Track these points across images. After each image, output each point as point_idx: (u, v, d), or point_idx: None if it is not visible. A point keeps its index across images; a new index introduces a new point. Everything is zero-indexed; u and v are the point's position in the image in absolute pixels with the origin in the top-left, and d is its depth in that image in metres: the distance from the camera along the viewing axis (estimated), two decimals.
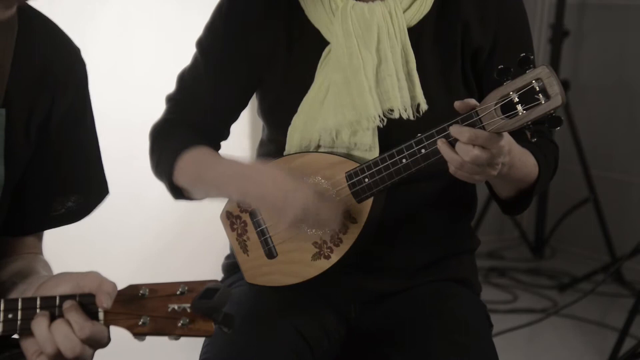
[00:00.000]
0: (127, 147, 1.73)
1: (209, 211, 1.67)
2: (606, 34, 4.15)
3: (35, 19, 1.38)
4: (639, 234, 3.21)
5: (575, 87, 4.04)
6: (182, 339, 1.14)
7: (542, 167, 1.57)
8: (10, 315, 1.16)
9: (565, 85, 3.93)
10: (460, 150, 1.40)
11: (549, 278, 3.92)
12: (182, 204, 1.73)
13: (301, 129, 1.59)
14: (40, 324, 1.15)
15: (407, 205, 1.61)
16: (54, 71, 1.37)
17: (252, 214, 1.60)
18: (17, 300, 1.17)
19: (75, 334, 1.14)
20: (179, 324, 1.13)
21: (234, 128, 1.75)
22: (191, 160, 1.58)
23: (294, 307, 1.59)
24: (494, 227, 4.31)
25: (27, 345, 1.17)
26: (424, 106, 1.56)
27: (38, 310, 1.16)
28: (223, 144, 1.74)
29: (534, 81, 1.35)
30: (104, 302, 1.15)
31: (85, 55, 1.44)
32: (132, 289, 1.16)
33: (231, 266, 1.72)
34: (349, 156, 1.56)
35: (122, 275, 1.25)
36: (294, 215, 1.46)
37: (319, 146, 1.59)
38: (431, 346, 1.52)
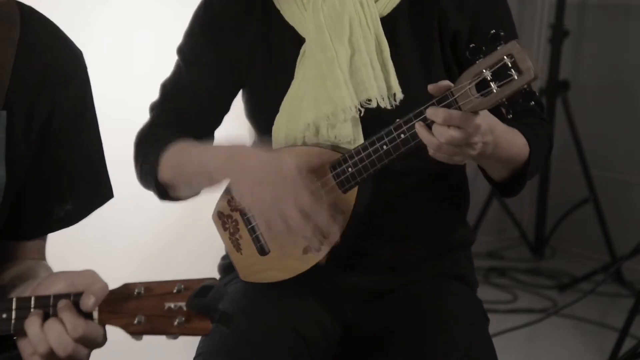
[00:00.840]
0: (127, 147, 1.73)
1: (208, 211, 1.68)
2: (606, 34, 4.15)
3: (37, 21, 1.38)
4: (639, 234, 3.21)
5: (575, 87, 4.03)
6: (180, 337, 1.14)
7: (533, 147, 1.56)
8: (4, 315, 1.16)
9: (565, 85, 3.94)
10: (437, 131, 1.40)
11: (549, 278, 3.92)
12: (182, 203, 1.72)
13: (285, 127, 1.60)
14: (33, 323, 1.15)
15: (398, 201, 1.62)
16: (55, 74, 1.37)
17: (243, 212, 1.60)
18: (11, 300, 1.17)
19: (68, 333, 1.13)
20: (175, 323, 1.12)
21: (234, 126, 1.75)
22: (173, 154, 1.59)
23: (290, 305, 1.59)
24: (494, 227, 4.31)
25: (23, 346, 1.17)
26: (399, 95, 1.56)
27: (32, 310, 1.15)
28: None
29: (505, 57, 1.35)
30: (87, 303, 1.14)
31: (85, 55, 1.44)
32: (128, 288, 1.15)
33: (227, 266, 1.73)
34: (334, 148, 1.56)
35: (122, 275, 1.25)
36: (268, 203, 1.45)
37: (304, 144, 1.59)
38: (429, 344, 1.52)
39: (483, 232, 3.95)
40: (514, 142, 1.52)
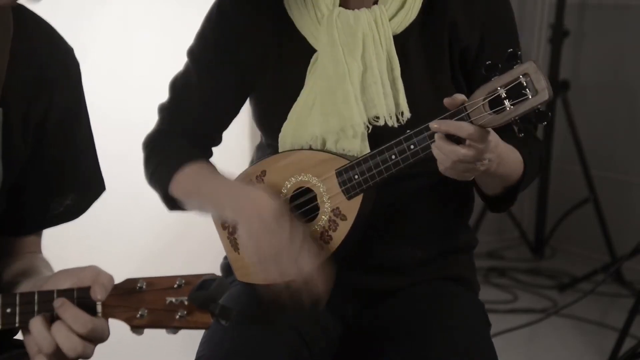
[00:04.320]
0: (127, 147, 1.73)
1: None
2: (606, 34, 4.15)
3: (30, 19, 1.39)
4: (639, 234, 3.21)
5: (575, 87, 4.03)
6: (181, 338, 1.15)
7: (527, 163, 1.57)
8: (8, 310, 1.17)
9: (565, 85, 3.94)
10: (448, 150, 1.40)
11: (549, 278, 3.92)
12: None
13: (291, 135, 1.60)
14: (37, 325, 1.15)
15: (401, 203, 1.62)
16: (50, 71, 1.38)
17: None
18: (15, 295, 1.18)
19: (75, 332, 1.14)
20: (177, 317, 1.15)
21: (234, 129, 1.75)
22: (189, 175, 1.60)
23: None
24: (494, 227, 4.31)
25: (30, 343, 1.18)
26: (407, 114, 1.57)
27: (36, 305, 1.17)
28: (223, 144, 1.74)
29: (521, 76, 1.36)
30: (98, 293, 1.16)
31: (85, 55, 1.44)
32: (130, 283, 1.18)
33: (229, 266, 1.73)
34: (341, 154, 1.56)
35: (122, 274, 1.25)
36: (270, 254, 1.46)
37: (311, 149, 1.59)
38: (430, 345, 1.52)
39: (483, 232, 3.94)
40: (513, 160, 1.54)
